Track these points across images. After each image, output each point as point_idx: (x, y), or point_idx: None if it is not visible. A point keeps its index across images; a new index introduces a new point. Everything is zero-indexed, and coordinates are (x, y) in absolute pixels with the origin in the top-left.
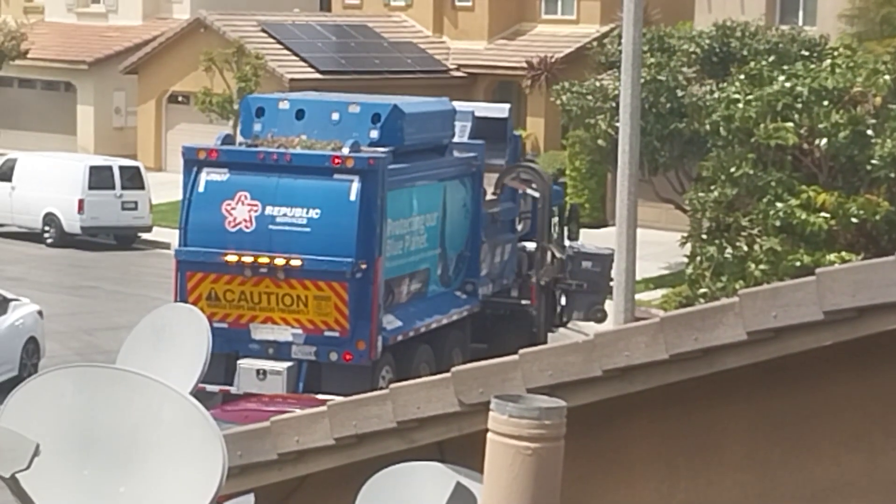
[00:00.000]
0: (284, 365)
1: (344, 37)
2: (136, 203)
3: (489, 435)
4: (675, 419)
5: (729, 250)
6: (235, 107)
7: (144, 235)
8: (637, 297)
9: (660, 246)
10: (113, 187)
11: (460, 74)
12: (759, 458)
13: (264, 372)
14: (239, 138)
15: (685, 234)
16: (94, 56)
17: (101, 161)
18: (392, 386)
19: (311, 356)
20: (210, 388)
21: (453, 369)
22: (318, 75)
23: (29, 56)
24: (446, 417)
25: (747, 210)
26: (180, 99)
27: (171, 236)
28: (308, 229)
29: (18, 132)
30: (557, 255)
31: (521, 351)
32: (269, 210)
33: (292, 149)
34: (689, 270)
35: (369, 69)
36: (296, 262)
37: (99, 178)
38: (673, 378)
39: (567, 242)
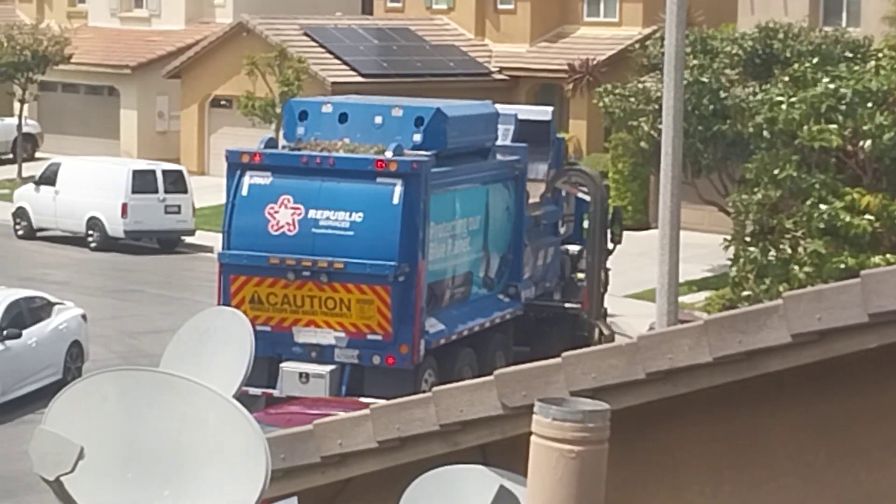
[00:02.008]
0: (327, 368)
1: (386, 40)
2: (179, 207)
3: (533, 438)
4: (718, 422)
5: (772, 253)
6: (278, 110)
7: (187, 239)
8: (680, 299)
9: (703, 248)
10: (156, 191)
11: (502, 77)
12: (804, 461)
13: (307, 375)
14: (282, 142)
15: (728, 237)
16: (137, 60)
17: (144, 165)
18: (435, 389)
19: (354, 360)
20: (253, 391)
21: (496, 372)
22: (360, 79)
23: (72, 61)
24: (489, 420)
25: (791, 212)
26: (223, 103)
27: (214, 240)
28: (351, 233)
29: (62, 137)
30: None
31: (563, 354)
32: (312, 213)
33: (335, 152)
34: (733, 273)
35: (411, 72)
36: (338, 266)
37: (142, 182)
38: (717, 381)
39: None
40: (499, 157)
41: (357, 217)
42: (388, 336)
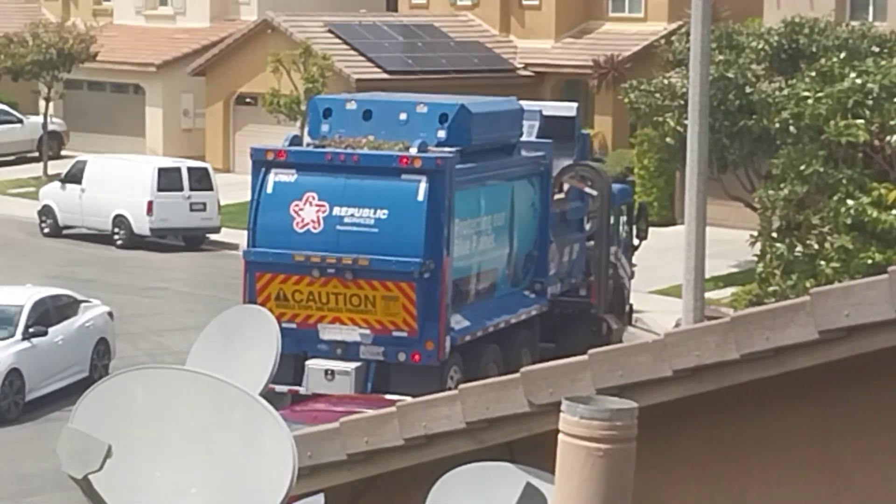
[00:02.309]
0: (352, 365)
1: (411, 37)
2: (204, 204)
3: (560, 436)
4: (745, 419)
5: (799, 248)
6: (303, 108)
7: (213, 237)
8: (706, 295)
9: (729, 244)
10: (181, 189)
11: (527, 73)
12: (832, 458)
13: (332, 372)
14: (307, 139)
15: (755, 233)
16: (162, 58)
17: (169, 163)
18: (461, 386)
19: (380, 356)
20: (279, 388)
21: (522, 370)
22: (384, 75)
23: (98, 59)
24: (516, 418)
25: (818, 208)
26: (248, 100)
27: (240, 237)
28: (376, 230)
29: (88, 134)
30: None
31: (590, 351)
32: (336, 210)
33: (360, 149)
34: (759, 269)
35: (436, 69)
36: (363, 263)
37: (168, 179)
38: (744, 378)
39: (636, 241)
40: (524, 153)
41: (382, 214)
42: (414, 333)
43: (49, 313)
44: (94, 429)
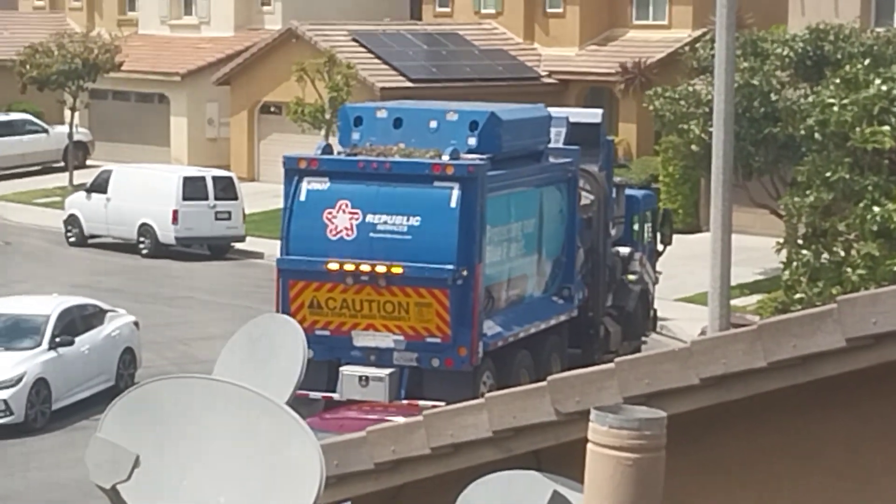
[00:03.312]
0: (386, 371)
1: (435, 45)
2: (229, 213)
3: (589, 446)
4: (773, 427)
5: (825, 255)
6: (327, 116)
7: (238, 245)
8: (732, 302)
9: (755, 251)
10: (206, 198)
11: (551, 81)
12: (861, 465)
13: (366, 378)
14: (337, 147)
15: (780, 240)
16: (186, 68)
17: (194, 172)
18: (488, 395)
19: (413, 363)
20: (313, 395)
21: (549, 378)
22: (409, 84)
23: (123, 68)
24: (543, 426)
25: (844, 215)
26: (272, 109)
27: (265, 246)
28: (409, 237)
29: (113, 144)
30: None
31: (616, 359)
32: (369, 218)
33: (391, 157)
34: (785, 276)
35: (460, 77)
36: (397, 270)
37: (193, 188)
38: (771, 386)
39: (660, 247)
40: (551, 159)
41: (415, 221)
42: (447, 339)
43: (75, 323)
44: (122, 438)
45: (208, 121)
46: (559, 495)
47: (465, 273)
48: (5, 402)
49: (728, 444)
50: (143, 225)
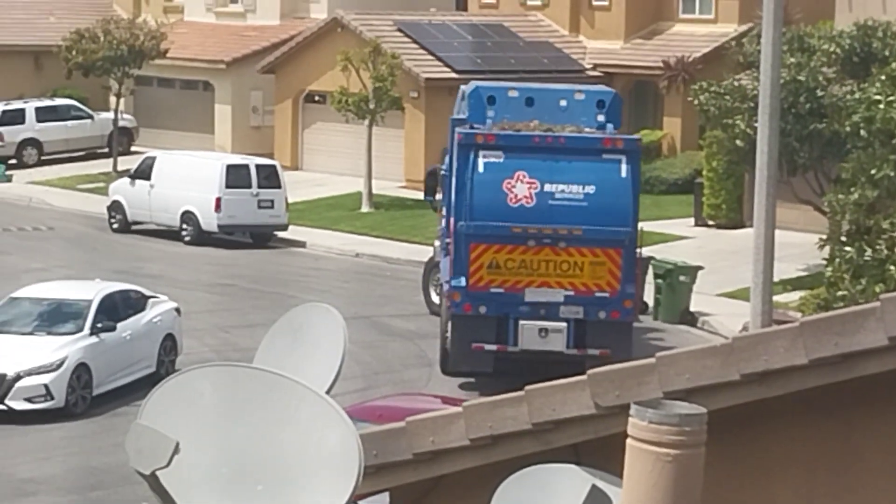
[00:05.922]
0: (564, 324)
1: (480, 36)
2: (272, 202)
3: (628, 441)
4: (813, 424)
5: (869, 252)
6: (371, 106)
7: (280, 234)
8: (774, 298)
9: (798, 248)
10: (250, 186)
11: (596, 74)
12: None
13: (546, 330)
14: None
15: (824, 236)
16: (231, 55)
17: (238, 160)
18: (528, 388)
19: (580, 315)
20: (488, 347)
21: (589, 372)
22: (454, 75)
23: (168, 55)
24: (582, 420)
25: (888, 212)
26: (317, 98)
27: (308, 235)
28: (585, 203)
29: (157, 131)
30: None
31: (657, 354)
32: (547, 187)
33: (561, 132)
34: (828, 273)
35: (505, 69)
36: (577, 232)
37: (236, 176)
38: (812, 383)
39: None
40: None
41: (590, 189)
42: (615, 293)
43: (117, 308)
44: (162, 425)
45: (252, 109)
46: (598, 489)
47: (633, 235)
48: (46, 386)
49: (767, 441)
50: (186, 212)
